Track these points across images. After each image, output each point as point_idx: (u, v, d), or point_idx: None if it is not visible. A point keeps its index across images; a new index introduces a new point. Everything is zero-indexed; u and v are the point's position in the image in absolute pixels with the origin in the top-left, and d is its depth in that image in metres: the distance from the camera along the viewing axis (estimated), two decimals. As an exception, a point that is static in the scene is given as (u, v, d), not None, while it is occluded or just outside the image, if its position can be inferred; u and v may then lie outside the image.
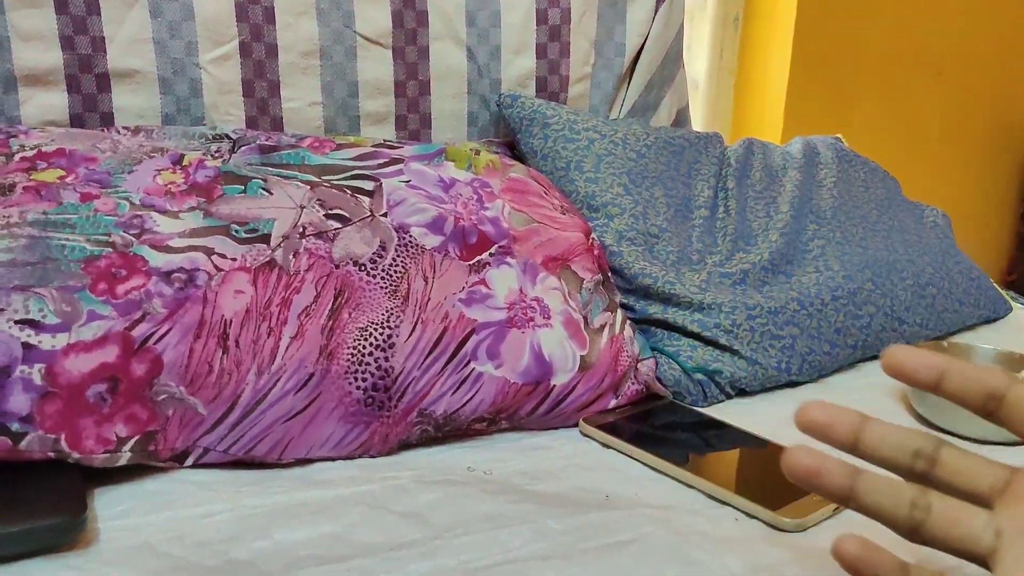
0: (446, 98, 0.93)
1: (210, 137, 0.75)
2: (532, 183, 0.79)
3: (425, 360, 0.61)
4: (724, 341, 0.73)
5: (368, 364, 0.59)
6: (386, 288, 0.63)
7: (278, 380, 0.57)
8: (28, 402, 0.49)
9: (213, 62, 0.82)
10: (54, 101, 0.78)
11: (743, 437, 0.64)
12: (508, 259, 0.69)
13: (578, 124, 0.88)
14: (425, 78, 0.91)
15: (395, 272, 0.64)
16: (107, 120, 0.80)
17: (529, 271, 0.69)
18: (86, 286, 0.54)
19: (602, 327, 0.70)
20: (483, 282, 0.67)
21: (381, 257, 0.64)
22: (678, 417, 0.68)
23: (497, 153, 0.84)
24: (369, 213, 0.67)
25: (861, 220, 0.93)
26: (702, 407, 0.71)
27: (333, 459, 0.59)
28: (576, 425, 0.66)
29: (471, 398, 0.62)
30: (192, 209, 0.62)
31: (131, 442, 0.52)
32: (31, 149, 0.67)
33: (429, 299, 0.63)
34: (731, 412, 0.69)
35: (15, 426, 0.49)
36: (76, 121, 0.79)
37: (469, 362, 0.62)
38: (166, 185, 0.64)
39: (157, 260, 0.57)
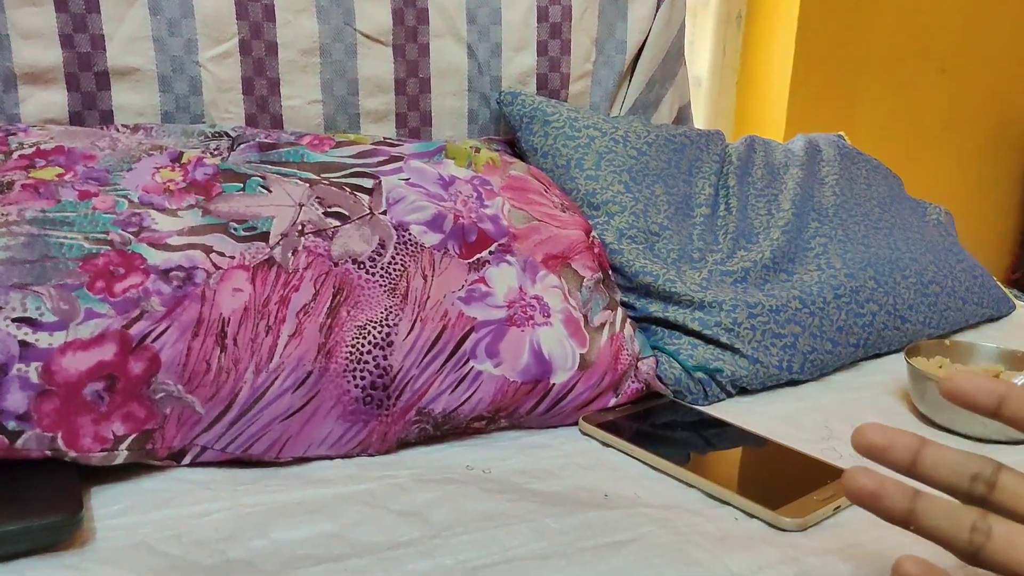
0: (446, 96, 0.92)
1: (209, 135, 0.75)
2: (532, 181, 0.79)
3: (424, 358, 0.61)
4: (725, 339, 0.73)
5: (367, 362, 0.59)
6: (385, 286, 0.62)
7: (276, 378, 0.56)
8: (25, 400, 0.49)
9: (213, 60, 0.82)
10: (54, 99, 0.78)
11: (744, 436, 0.63)
12: (508, 257, 0.69)
13: (579, 122, 0.88)
14: (425, 75, 0.91)
15: (394, 270, 0.63)
16: (106, 118, 0.80)
17: (529, 269, 0.69)
18: (84, 284, 0.54)
19: (602, 325, 0.70)
20: (483, 280, 0.66)
21: (380, 255, 0.64)
22: (678, 416, 0.68)
23: (497, 151, 0.84)
24: (368, 211, 0.66)
25: (863, 218, 0.92)
26: (703, 406, 0.71)
27: (331, 458, 0.58)
28: (576, 424, 0.66)
29: (470, 396, 0.62)
30: (191, 207, 0.62)
31: (128, 440, 0.52)
32: (30, 147, 0.66)
33: (428, 297, 0.63)
34: (732, 411, 0.69)
35: (12, 424, 0.49)
36: (76, 119, 0.79)
37: (468, 360, 0.62)
38: (165, 183, 0.64)
39: (155, 258, 0.57)
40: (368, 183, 0.69)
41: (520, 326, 0.65)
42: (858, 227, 0.90)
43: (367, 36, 0.87)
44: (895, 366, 0.79)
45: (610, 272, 0.77)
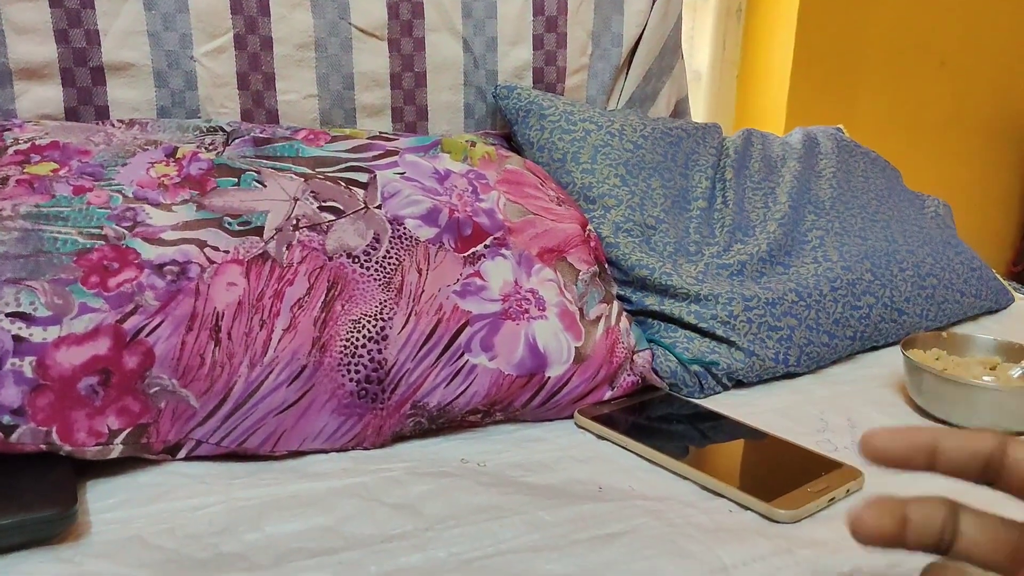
0: (442, 90, 0.92)
1: (204, 130, 0.75)
2: (528, 174, 0.78)
3: (419, 352, 0.61)
4: (721, 332, 0.73)
5: (361, 356, 0.59)
6: (380, 280, 0.62)
7: (271, 372, 0.56)
8: (19, 395, 0.49)
9: (207, 55, 0.82)
10: (49, 94, 0.78)
11: (740, 429, 0.63)
12: (503, 251, 0.69)
13: (575, 115, 0.88)
14: (421, 70, 0.91)
15: (389, 264, 0.63)
16: (102, 113, 0.80)
17: (524, 263, 0.69)
18: (78, 279, 0.54)
19: (598, 319, 0.70)
20: (478, 274, 0.66)
21: (375, 249, 0.64)
22: (674, 409, 0.68)
23: (493, 145, 0.84)
24: (363, 205, 0.66)
25: (860, 210, 0.92)
26: (699, 399, 0.71)
27: (326, 451, 0.59)
28: (571, 417, 0.66)
29: (465, 390, 0.62)
30: (185, 202, 0.62)
31: (123, 434, 0.52)
32: (25, 142, 0.66)
33: (423, 291, 0.63)
34: (728, 404, 0.69)
35: (6, 419, 0.49)
36: (71, 114, 0.79)
37: (463, 354, 0.62)
38: (159, 178, 0.64)
39: (149, 253, 0.57)
40: (363, 177, 0.69)
41: (515, 319, 0.65)
42: (855, 220, 0.90)
43: (362, 30, 0.87)
44: (892, 359, 0.79)
45: (606, 265, 0.77)
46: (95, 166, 0.64)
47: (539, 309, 0.67)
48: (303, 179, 0.67)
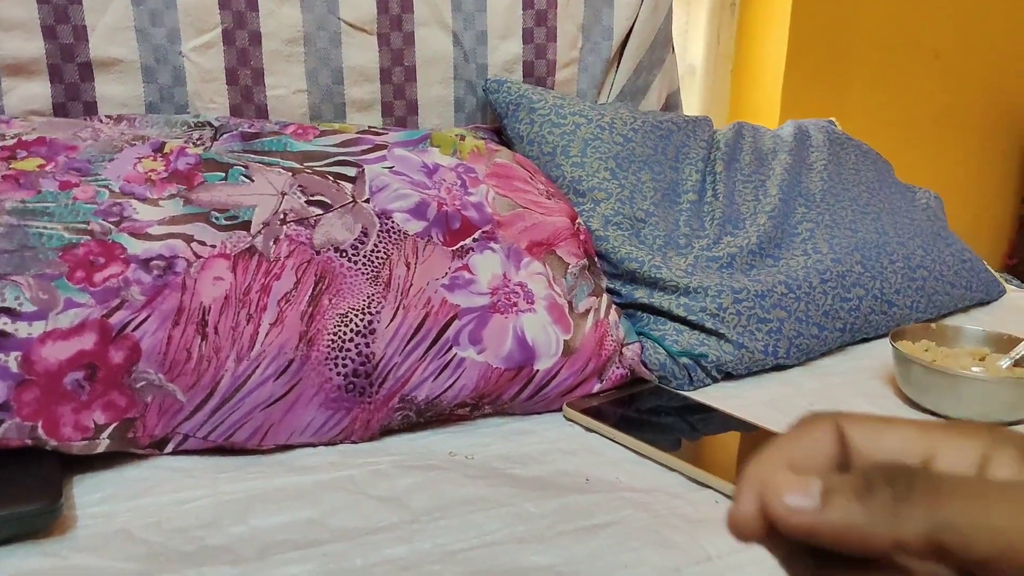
0: (432, 84, 0.92)
1: (192, 125, 0.75)
2: (517, 168, 0.78)
3: (407, 346, 0.61)
4: (710, 325, 0.73)
5: (349, 350, 0.59)
6: (368, 274, 0.62)
7: (258, 366, 0.56)
8: (4, 390, 0.49)
9: (196, 50, 0.81)
10: (37, 90, 0.77)
11: (728, 421, 0.63)
12: (492, 244, 0.69)
13: (564, 109, 0.88)
14: (411, 64, 0.91)
15: (377, 258, 0.63)
16: (90, 109, 0.80)
17: (513, 256, 0.69)
18: (63, 274, 0.54)
19: (587, 312, 0.70)
20: (466, 267, 0.66)
21: (363, 243, 0.64)
22: (663, 401, 0.68)
23: (483, 139, 0.84)
24: (351, 199, 0.66)
25: (851, 203, 0.92)
26: (688, 391, 0.71)
27: (314, 445, 0.59)
28: (560, 410, 0.66)
29: (453, 383, 0.62)
30: (172, 196, 0.62)
31: (110, 429, 0.52)
32: (11, 138, 0.66)
33: (411, 285, 0.63)
34: (717, 396, 0.69)
35: (-9, 414, 0.49)
36: (59, 110, 0.78)
37: (451, 347, 0.62)
38: (146, 173, 0.64)
39: (136, 247, 0.57)
40: (351, 171, 0.69)
41: (504, 313, 0.65)
42: (845, 212, 0.90)
43: (351, 25, 0.87)
44: (882, 351, 0.79)
45: (596, 259, 0.77)
46: (82, 162, 0.64)
47: (528, 302, 0.67)
48: (291, 173, 0.67)
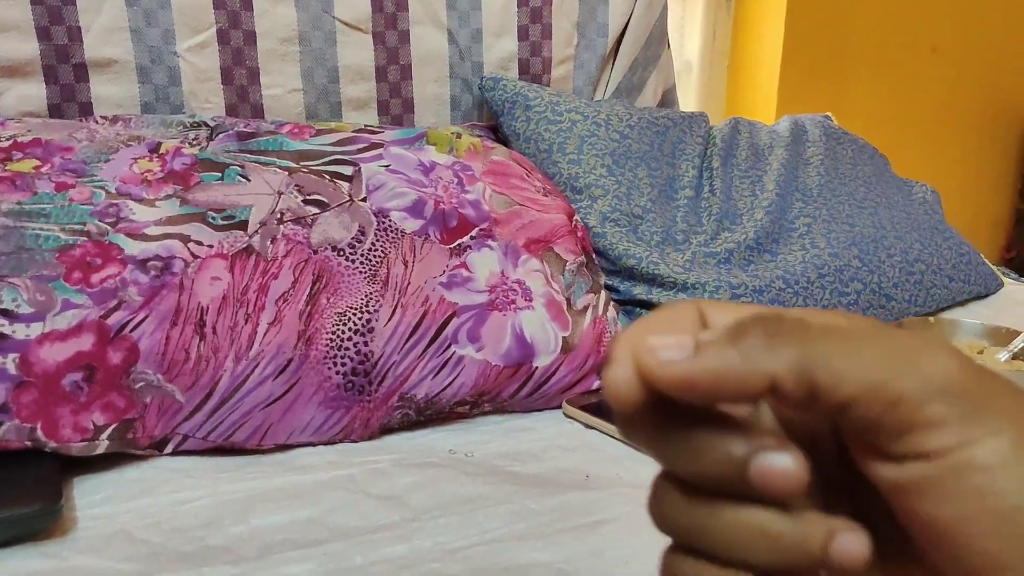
0: (428, 82, 0.92)
1: (188, 125, 0.75)
2: (514, 165, 0.78)
3: (405, 344, 0.61)
4: (709, 320, 0.73)
5: (347, 349, 0.59)
6: (365, 273, 0.62)
7: (256, 366, 0.56)
8: (3, 392, 0.49)
9: (191, 50, 0.81)
10: (32, 92, 0.77)
11: (726, 415, 0.63)
12: (489, 242, 0.69)
13: (560, 106, 0.88)
14: (407, 63, 0.90)
15: (374, 257, 0.63)
16: (86, 110, 0.79)
17: (511, 253, 0.69)
18: (60, 275, 0.54)
19: (585, 308, 0.70)
20: (464, 265, 0.66)
21: (360, 242, 0.64)
22: (662, 397, 0.68)
23: (479, 136, 0.84)
24: (348, 198, 0.66)
25: (848, 197, 0.92)
26: (687, 387, 0.71)
27: (314, 444, 0.59)
28: (559, 407, 0.66)
29: (452, 381, 0.62)
30: (168, 197, 0.62)
31: (109, 430, 0.52)
32: (7, 140, 0.66)
33: (409, 283, 0.63)
34: (716, 391, 0.69)
35: (-10, 416, 0.49)
36: (55, 111, 0.78)
37: (450, 345, 0.62)
38: (143, 173, 0.64)
39: (133, 248, 0.57)
40: (348, 170, 0.69)
41: (502, 310, 0.65)
42: (843, 207, 0.90)
43: (346, 24, 0.87)
44: (880, 344, 0.79)
45: (593, 255, 0.77)
46: (78, 163, 0.64)
47: (526, 300, 0.67)
48: (287, 173, 0.66)
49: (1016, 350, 0.69)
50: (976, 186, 2.04)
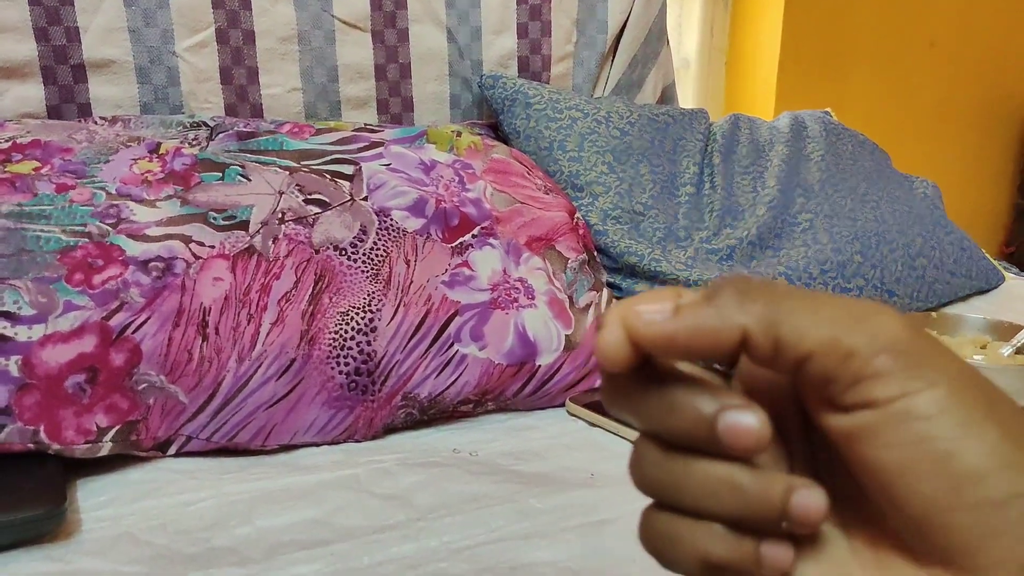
0: (428, 81, 0.92)
1: (188, 125, 0.75)
2: (515, 163, 0.78)
3: (408, 343, 0.61)
4: (711, 317, 0.73)
5: (350, 348, 0.59)
6: (367, 272, 0.62)
7: (259, 366, 0.56)
8: (5, 394, 0.49)
9: (190, 50, 0.81)
10: (30, 93, 0.77)
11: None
12: (491, 240, 0.69)
13: (560, 103, 0.88)
14: (406, 61, 0.90)
15: (376, 256, 0.63)
16: (85, 111, 0.79)
17: (513, 252, 0.69)
18: (62, 277, 0.54)
19: (588, 306, 0.70)
20: (466, 264, 0.66)
21: (362, 241, 0.63)
22: (665, 394, 0.68)
23: (479, 134, 0.83)
24: (349, 197, 0.66)
25: (850, 192, 0.92)
26: (690, 384, 0.71)
27: (318, 444, 0.58)
28: (563, 405, 0.66)
29: (455, 380, 0.62)
30: (169, 197, 0.62)
31: (112, 432, 0.52)
32: (6, 141, 0.66)
33: (411, 282, 0.63)
34: (719, 388, 0.69)
35: (-7, 419, 0.48)
36: (53, 112, 0.78)
37: (453, 344, 0.62)
38: (143, 174, 0.63)
39: (134, 249, 0.57)
40: (348, 169, 0.69)
41: (504, 309, 0.65)
42: (844, 202, 0.90)
43: (345, 22, 0.86)
44: (882, 340, 0.79)
45: (595, 253, 0.77)
46: (77, 164, 0.64)
47: (528, 298, 0.67)
48: (288, 172, 0.66)
49: (1019, 344, 0.69)
50: (975, 181, 2.04)
